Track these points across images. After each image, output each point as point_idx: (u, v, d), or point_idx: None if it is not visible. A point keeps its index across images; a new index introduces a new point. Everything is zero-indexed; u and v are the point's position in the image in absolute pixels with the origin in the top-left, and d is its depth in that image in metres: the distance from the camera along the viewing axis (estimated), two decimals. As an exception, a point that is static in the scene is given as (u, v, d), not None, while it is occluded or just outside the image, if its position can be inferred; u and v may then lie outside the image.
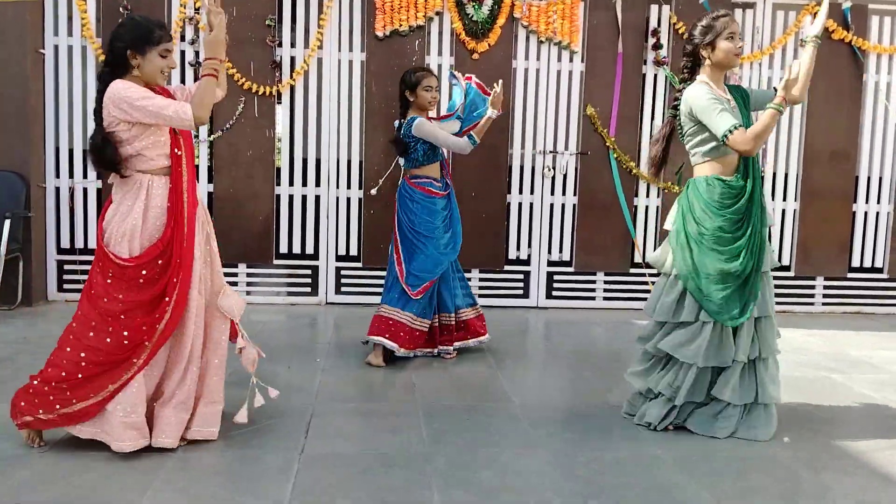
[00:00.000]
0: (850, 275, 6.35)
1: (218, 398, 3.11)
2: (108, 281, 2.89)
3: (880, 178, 6.32)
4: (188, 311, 2.95)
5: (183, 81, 5.77)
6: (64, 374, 2.84)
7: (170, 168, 2.96)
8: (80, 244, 5.79)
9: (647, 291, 6.20)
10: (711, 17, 3.28)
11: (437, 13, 5.87)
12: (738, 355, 3.25)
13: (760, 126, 3.13)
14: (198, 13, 5.67)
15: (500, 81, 4.39)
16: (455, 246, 4.47)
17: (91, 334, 2.86)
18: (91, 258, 5.71)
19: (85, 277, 5.69)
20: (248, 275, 5.99)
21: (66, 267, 5.82)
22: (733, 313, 3.23)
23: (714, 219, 3.25)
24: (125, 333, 2.85)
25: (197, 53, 5.74)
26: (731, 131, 3.13)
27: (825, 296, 6.38)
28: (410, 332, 4.31)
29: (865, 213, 6.33)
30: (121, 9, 5.54)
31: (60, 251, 5.81)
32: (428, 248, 4.33)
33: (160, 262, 2.90)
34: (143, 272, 2.88)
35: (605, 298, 6.23)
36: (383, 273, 4.72)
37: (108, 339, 2.84)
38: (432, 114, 4.58)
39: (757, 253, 3.24)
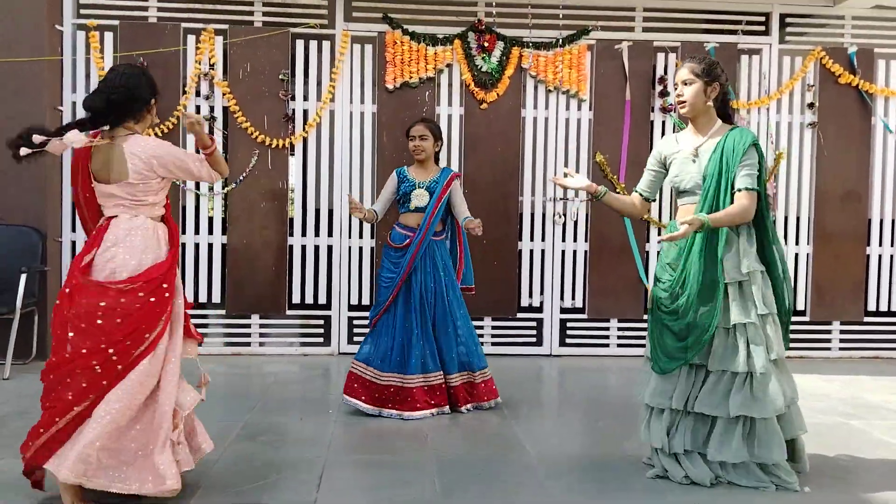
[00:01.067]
0: (866, 319, 6.29)
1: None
2: None
3: (893, 220, 6.29)
4: None
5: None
6: None
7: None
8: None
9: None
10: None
11: (447, 65, 5.96)
12: (674, 402, 3.21)
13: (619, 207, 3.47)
14: (212, 69, 5.79)
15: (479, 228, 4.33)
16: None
17: None
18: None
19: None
20: (261, 325, 6.00)
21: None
22: (660, 359, 3.24)
23: (664, 255, 3.33)
24: None
25: (212, 108, 5.85)
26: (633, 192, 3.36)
27: (842, 340, 6.31)
28: (362, 382, 4.28)
29: (880, 256, 6.29)
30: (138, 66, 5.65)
31: (75, 304, 5.84)
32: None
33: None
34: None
35: (619, 345, 6.19)
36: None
37: None
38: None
39: (692, 299, 3.16)
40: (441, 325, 4.37)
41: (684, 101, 3.24)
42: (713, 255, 3.16)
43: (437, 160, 4.57)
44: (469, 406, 4.39)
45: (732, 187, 3.14)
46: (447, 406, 4.33)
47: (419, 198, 4.40)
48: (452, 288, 4.43)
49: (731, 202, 3.14)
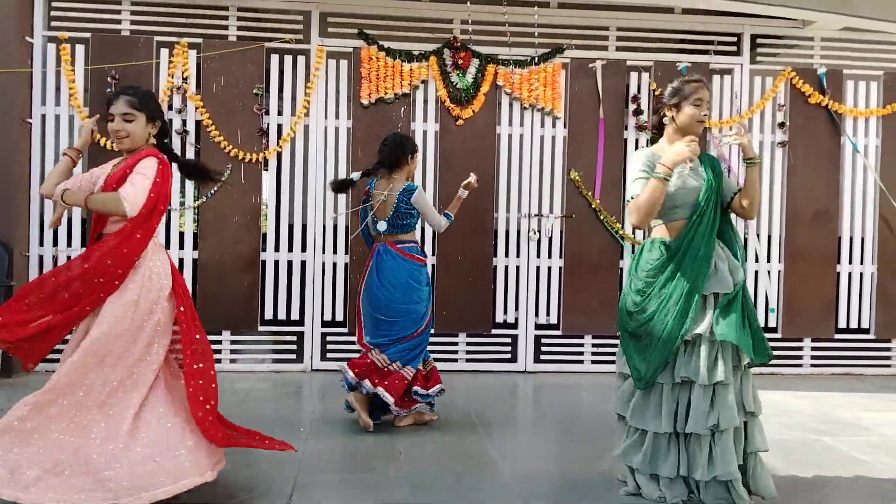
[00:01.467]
0: (837, 336, 6.36)
1: None
2: None
3: (862, 239, 6.38)
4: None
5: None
6: None
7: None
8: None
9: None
10: (683, 81, 3.27)
11: (423, 81, 5.97)
12: (663, 424, 3.16)
13: (642, 196, 3.11)
14: (185, 82, 5.74)
15: (474, 176, 4.55)
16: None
17: None
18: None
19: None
20: (233, 341, 5.93)
21: (48, 336, 5.73)
22: (639, 372, 3.22)
23: (636, 279, 3.29)
24: None
25: (184, 122, 5.79)
26: (630, 199, 3.17)
27: (813, 357, 6.37)
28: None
29: (850, 274, 6.37)
30: (109, 78, 5.60)
31: (42, 320, 5.73)
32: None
33: None
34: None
35: (594, 362, 6.19)
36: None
37: None
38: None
39: (677, 316, 3.13)
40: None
41: (703, 121, 3.27)
42: (700, 265, 3.14)
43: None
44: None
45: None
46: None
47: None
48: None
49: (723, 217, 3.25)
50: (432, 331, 4.61)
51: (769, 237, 6.29)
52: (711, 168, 3.26)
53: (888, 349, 6.42)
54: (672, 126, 3.29)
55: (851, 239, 6.38)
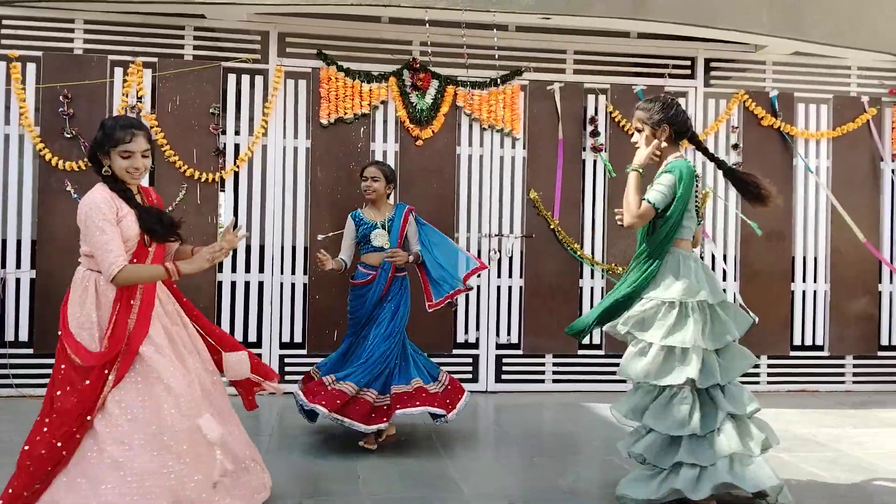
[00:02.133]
0: (792, 353, 6.45)
1: None
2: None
3: (815, 258, 6.50)
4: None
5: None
6: None
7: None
8: (10, 337, 5.54)
9: (597, 373, 6.18)
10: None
11: (382, 102, 5.96)
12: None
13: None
14: (140, 101, 5.65)
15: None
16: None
17: None
18: (21, 351, 5.50)
19: (15, 372, 5.45)
20: (189, 365, 5.79)
21: (-5, 361, 5.57)
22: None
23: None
24: None
25: (139, 141, 5.68)
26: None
27: (769, 374, 6.45)
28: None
29: (804, 292, 6.48)
30: (61, 97, 5.48)
31: (-11, 344, 5.56)
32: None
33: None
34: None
35: (555, 381, 6.18)
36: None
37: None
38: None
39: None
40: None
41: (638, 147, 3.56)
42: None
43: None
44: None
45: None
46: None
47: (379, 237, 4.54)
48: (402, 320, 4.54)
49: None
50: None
51: (724, 256, 6.38)
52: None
53: (842, 366, 6.53)
54: None
55: (805, 258, 6.50)
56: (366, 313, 4.49)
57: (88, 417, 2.80)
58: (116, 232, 2.90)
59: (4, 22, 5.62)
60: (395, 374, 4.36)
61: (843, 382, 6.52)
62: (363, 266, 4.59)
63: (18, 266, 5.58)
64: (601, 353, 6.20)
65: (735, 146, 6.36)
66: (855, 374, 6.55)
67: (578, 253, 6.14)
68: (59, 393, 2.85)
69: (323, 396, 4.18)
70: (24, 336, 5.56)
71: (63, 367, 2.90)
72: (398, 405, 4.18)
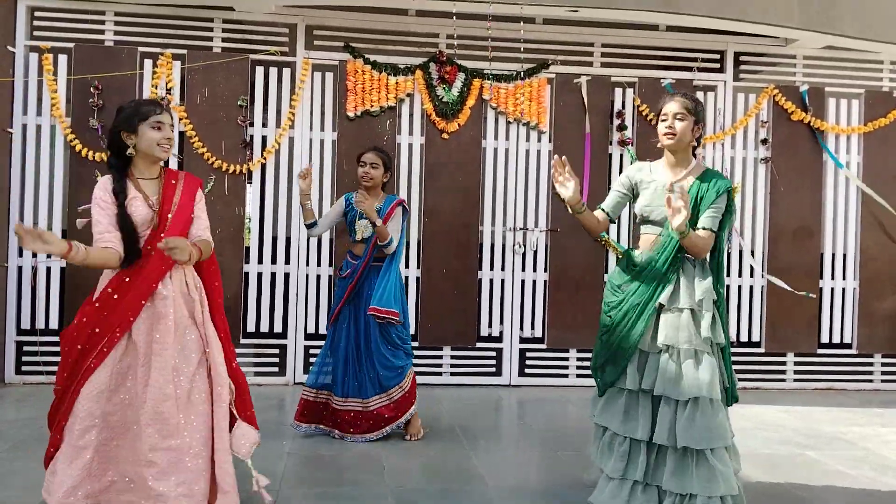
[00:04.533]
0: (820, 351, 6.38)
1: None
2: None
3: (844, 255, 6.43)
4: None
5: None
6: None
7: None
8: (41, 325, 5.63)
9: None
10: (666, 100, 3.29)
11: (408, 95, 5.97)
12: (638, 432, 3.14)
13: (588, 223, 3.36)
14: (169, 93, 5.71)
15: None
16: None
17: None
18: (51, 339, 5.59)
19: (45, 359, 5.54)
20: (215, 355, 5.85)
21: (26, 348, 5.65)
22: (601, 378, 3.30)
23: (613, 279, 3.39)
24: None
25: (168, 132, 5.74)
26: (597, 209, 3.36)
27: (796, 372, 6.39)
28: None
29: (832, 290, 6.40)
30: (91, 89, 5.55)
31: (20, 332, 5.65)
32: None
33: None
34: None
35: (579, 375, 6.17)
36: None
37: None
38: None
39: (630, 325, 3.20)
40: (365, 351, 4.36)
41: (674, 134, 3.20)
42: (661, 280, 3.16)
43: (383, 188, 4.55)
44: (387, 429, 4.33)
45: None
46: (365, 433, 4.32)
47: (363, 229, 4.42)
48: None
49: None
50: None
51: (752, 252, 6.32)
52: (698, 190, 3.20)
53: (870, 364, 6.46)
54: None
55: (833, 255, 6.43)
56: (336, 306, 4.44)
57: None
58: (106, 216, 2.83)
59: (37, 14, 5.69)
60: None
61: (871, 381, 6.45)
62: (350, 256, 4.49)
63: (49, 255, 5.66)
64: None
65: (764, 141, 6.29)
66: (884, 373, 6.47)
67: (603, 241, 6.10)
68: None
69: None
70: (54, 324, 5.65)
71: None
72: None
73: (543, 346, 6.15)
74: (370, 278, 4.39)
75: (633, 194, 3.41)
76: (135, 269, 2.86)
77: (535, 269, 6.14)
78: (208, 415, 2.86)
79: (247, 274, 5.87)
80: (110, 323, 2.80)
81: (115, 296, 2.82)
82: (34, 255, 5.63)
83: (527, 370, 6.16)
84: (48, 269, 5.68)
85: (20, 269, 5.64)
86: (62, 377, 2.86)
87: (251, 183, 5.98)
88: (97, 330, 2.80)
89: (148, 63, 5.72)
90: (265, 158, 5.85)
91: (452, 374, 6.04)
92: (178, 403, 2.79)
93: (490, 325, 6.11)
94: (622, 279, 3.32)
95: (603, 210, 3.43)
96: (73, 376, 2.82)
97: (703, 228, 3.13)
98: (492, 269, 6.10)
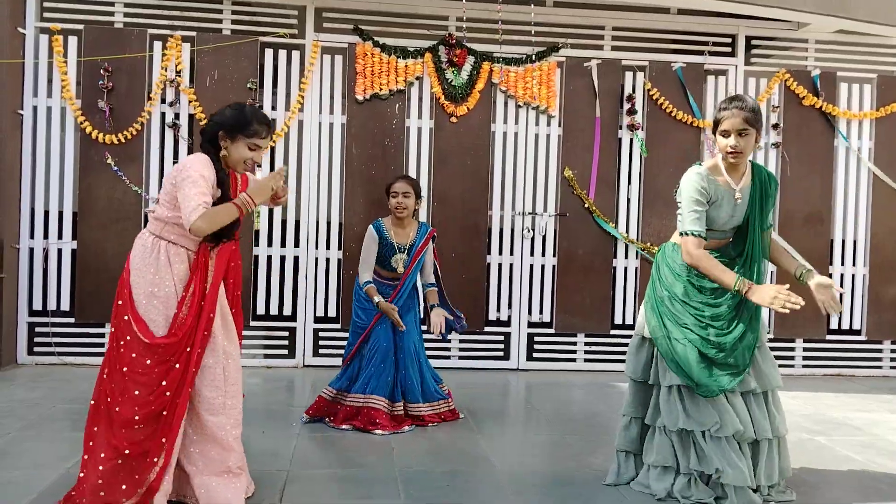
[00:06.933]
0: (828, 337, 6.37)
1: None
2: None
3: (854, 241, 6.40)
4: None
5: (162, 143, 5.76)
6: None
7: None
8: (52, 306, 5.67)
9: (628, 353, 6.17)
10: (721, 104, 3.15)
11: (418, 78, 5.95)
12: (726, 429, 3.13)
13: (704, 265, 3.12)
14: (179, 75, 5.71)
15: None
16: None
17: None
18: (62, 320, 5.63)
19: (57, 340, 5.58)
20: (224, 337, 5.88)
21: (38, 329, 5.70)
22: (706, 383, 3.16)
23: (677, 283, 3.27)
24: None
25: (176, 115, 5.75)
26: (687, 234, 3.14)
27: (805, 358, 6.38)
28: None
29: (842, 276, 6.38)
30: (101, 71, 5.55)
31: (32, 313, 5.69)
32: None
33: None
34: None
35: (587, 360, 6.18)
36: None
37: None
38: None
39: (743, 322, 3.30)
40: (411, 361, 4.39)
41: (739, 153, 3.10)
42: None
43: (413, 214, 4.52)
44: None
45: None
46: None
47: (399, 262, 4.44)
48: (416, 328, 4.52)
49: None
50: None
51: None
52: (759, 191, 3.26)
53: (879, 350, 6.44)
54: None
55: (843, 241, 6.40)
56: (368, 324, 4.36)
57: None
58: (208, 189, 2.80)
59: (47, -5, 5.70)
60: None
61: (880, 367, 6.44)
62: (378, 276, 4.48)
63: (60, 237, 5.69)
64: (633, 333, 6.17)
65: (775, 126, 6.26)
66: (892, 360, 6.46)
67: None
68: (125, 369, 2.78)
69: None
70: (65, 305, 5.69)
71: (127, 338, 2.80)
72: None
73: (552, 331, 6.16)
74: (411, 297, 4.48)
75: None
76: (206, 259, 2.92)
77: (543, 254, 6.13)
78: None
79: (256, 257, 5.89)
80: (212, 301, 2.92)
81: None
82: (45, 237, 5.66)
83: (535, 354, 6.17)
84: (59, 251, 5.71)
85: (31, 250, 5.67)
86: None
87: (260, 166, 5.97)
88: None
89: (157, 45, 5.71)
90: (274, 141, 5.85)
91: (461, 357, 6.06)
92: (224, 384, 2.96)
93: (498, 310, 6.12)
94: (682, 279, 3.28)
95: (699, 235, 3.16)
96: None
97: (770, 227, 3.27)
98: (500, 253, 6.11)
